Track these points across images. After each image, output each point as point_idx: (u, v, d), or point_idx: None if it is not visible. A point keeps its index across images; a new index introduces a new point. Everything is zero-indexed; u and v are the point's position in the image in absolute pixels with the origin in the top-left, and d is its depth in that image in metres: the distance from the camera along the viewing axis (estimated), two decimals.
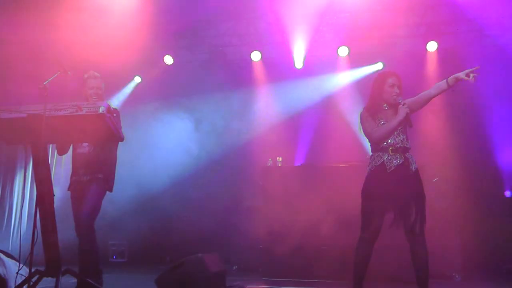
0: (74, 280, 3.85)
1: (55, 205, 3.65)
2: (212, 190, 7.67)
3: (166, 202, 7.68)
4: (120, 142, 4.18)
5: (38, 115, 3.37)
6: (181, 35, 8.12)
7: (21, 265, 3.64)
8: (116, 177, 4.41)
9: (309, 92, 7.77)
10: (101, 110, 3.37)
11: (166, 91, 8.12)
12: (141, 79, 8.53)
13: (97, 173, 4.22)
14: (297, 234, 5.90)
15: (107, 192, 4.33)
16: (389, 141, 3.80)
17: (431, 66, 7.48)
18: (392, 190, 3.71)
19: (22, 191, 8.23)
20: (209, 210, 7.53)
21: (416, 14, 7.38)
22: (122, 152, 4.54)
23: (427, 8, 7.31)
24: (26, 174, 8.09)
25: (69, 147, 4.36)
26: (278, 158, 6.85)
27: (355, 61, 7.80)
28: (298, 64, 7.77)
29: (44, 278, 3.54)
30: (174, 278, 4.39)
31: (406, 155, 3.80)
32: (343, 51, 7.66)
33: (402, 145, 3.79)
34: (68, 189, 4.37)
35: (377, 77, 3.96)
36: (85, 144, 4.27)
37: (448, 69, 5.74)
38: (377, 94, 3.90)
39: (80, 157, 4.29)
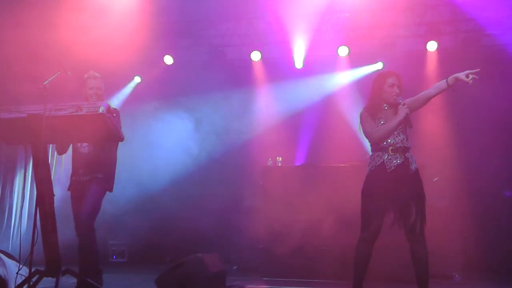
0: (74, 280, 3.85)
1: (55, 205, 3.65)
2: (212, 190, 7.66)
3: (166, 202, 7.68)
4: (120, 142, 4.18)
5: (38, 115, 3.37)
6: (181, 35, 8.13)
7: (21, 265, 3.64)
8: (116, 177, 4.42)
9: (309, 92, 7.77)
10: (101, 110, 3.37)
11: (166, 91, 8.12)
12: (141, 79, 8.52)
13: (97, 173, 4.22)
14: (297, 234, 5.90)
15: (107, 192, 4.33)
16: (389, 141, 3.80)
17: (431, 66, 7.48)
18: (392, 190, 3.71)
19: (22, 191, 8.23)
20: (209, 210, 7.52)
21: (416, 14, 7.39)
22: (122, 152, 4.55)
23: (427, 8, 7.32)
24: (26, 174, 8.09)
25: (68, 147, 4.37)
26: (278, 158, 6.85)
27: (355, 61, 7.79)
28: (298, 64, 7.77)
29: (44, 278, 3.54)
30: (174, 278, 4.39)
31: (406, 155, 3.80)
32: (343, 51, 7.66)
33: (402, 145, 3.79)
34: (68, 189, 4.38)
35: (377, 77, 3.96)
36: (85, 144, 4.28)
37: (448, 69, 5.72)
38: (377, 94, 3.90)
39: (80, 157, 4.30)
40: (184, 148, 7.89)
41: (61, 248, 3.63)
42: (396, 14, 7.45)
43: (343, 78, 7.87)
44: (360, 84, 7.40)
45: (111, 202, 5.03)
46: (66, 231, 4.32)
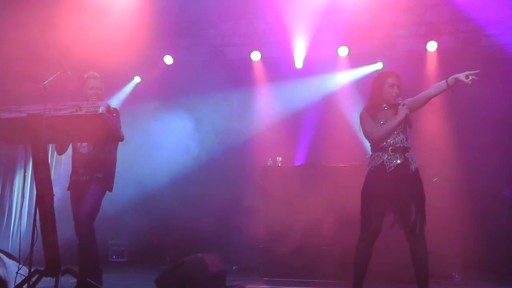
0: (74, 280, 3.85)
1: (55, 205, 3.65)
2: (212, 190, 7.66)
3: (166, 202, 7.68)
4: (120, 142, 4.18)
5: (38, 115, 3.37)
6: (181, 35, 8.13)
7: (20, 265, 3.64)
8: (116, 177, 4.42)
9: (309, 92, 7.77)
10: (101, 110, 3.37)
11: (166, 91, 8.12)
12: (141, 79, 8.53)
13: (96, 173, 4.23)
14: (297, 234, 5.90)
15: (107, 192, 4.33)
16: (388, 141, 3.80)
17: (431, 66, 7.48)
18: (392, 190, 3.71)
19: (22, 191, 8.23)
20: (209, 210, 7.52)
21: (416, 14, 7.39)
22: (122, 152, 4.55)
23: (427, 8, 7.32)
24: (26, 174, 8.09)
25: (68, 147, 4.37)
26: (278, 158, 6.85)
27: (355, 61, 7.80)
28: (298, 64, 7.77)
29: (44, 278, 3.54)
30: (174, 278, 4.39)
31: (406, 155, 3.80)
32: (343, 51, 7.66)
33: (402, 145, 3.79)
34: (68, 189, 4.38)
35: (377, 77, 3.96)
36: (84, 144, 4.28)
37: (448, 69, 5.73)
38: (377, 94, 3.90)
39: (80, 157, 4.30)
40: (184, 148, 7.89)
41: (61, 248, 3.63)
42: (396, 14, 7.45)
43: (343, 78, 7.88)
44: (360, 84, 7.40)
45: (111, 202, 5.02)
46: (66, 231, 4.32)
